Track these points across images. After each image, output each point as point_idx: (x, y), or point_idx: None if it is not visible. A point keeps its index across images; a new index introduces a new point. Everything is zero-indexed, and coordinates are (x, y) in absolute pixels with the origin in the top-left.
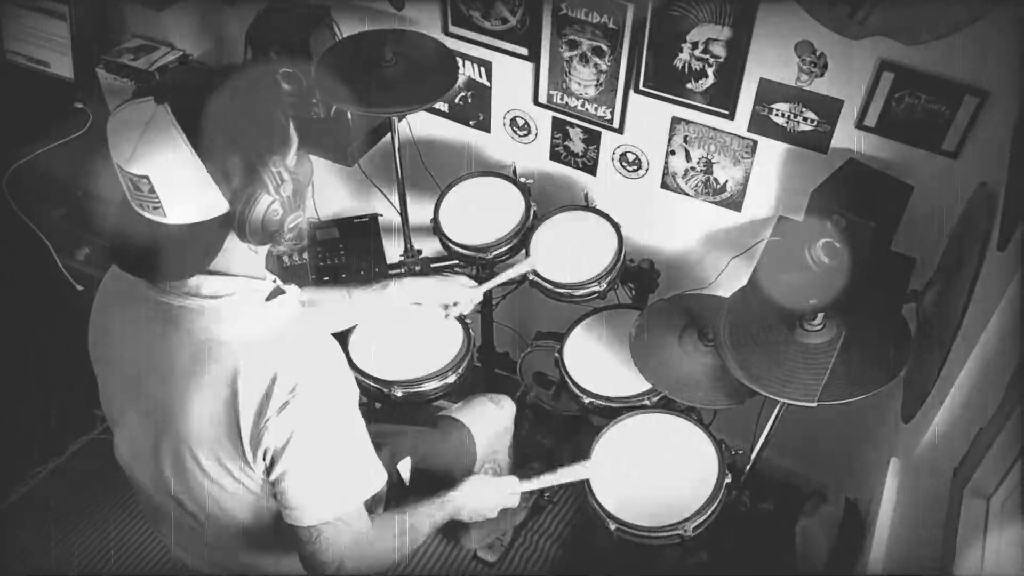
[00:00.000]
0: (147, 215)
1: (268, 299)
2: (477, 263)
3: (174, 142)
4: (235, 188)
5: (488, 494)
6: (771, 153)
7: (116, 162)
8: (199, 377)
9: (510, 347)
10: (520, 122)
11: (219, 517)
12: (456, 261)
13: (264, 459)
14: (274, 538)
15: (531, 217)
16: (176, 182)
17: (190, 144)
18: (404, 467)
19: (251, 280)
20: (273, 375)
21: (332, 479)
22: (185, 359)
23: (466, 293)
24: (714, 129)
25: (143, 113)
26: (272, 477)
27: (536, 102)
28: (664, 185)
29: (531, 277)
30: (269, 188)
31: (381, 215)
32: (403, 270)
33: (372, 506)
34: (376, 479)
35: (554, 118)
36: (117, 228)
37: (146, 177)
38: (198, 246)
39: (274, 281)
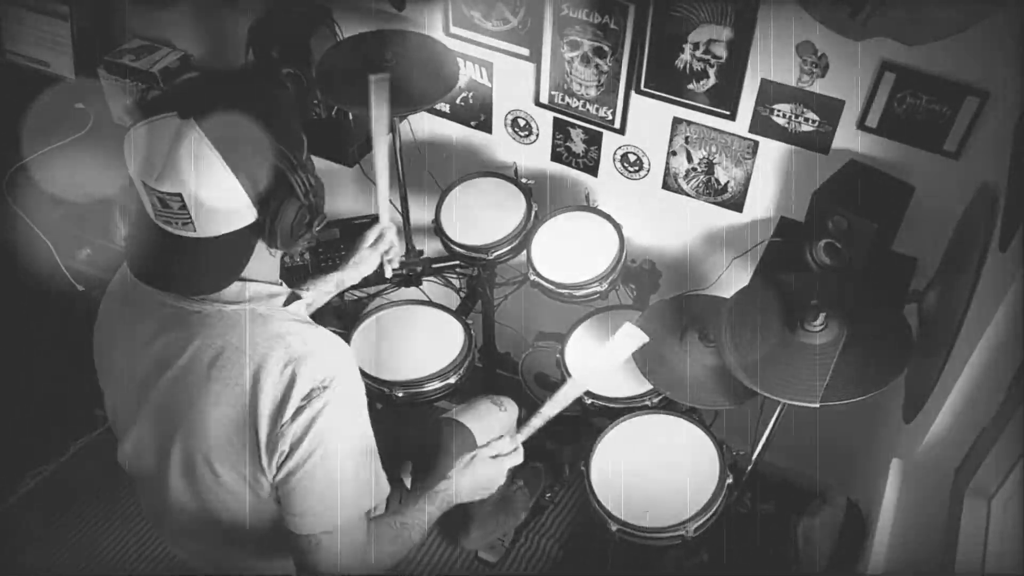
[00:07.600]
0: (175, 231)
1: (286, 304)
2: (478, 263)
3: (205, 157)
4: (264, 197)
5: (480, 465)
6: (772, 154)
7: (142, 180)
8: (216, 383)
9: (511, 348)
10: (521, 123)
11: (223, 519)
12: (458, 261)
13: (277, 463)
14: (276, 540)
15: (532, 218)
16: (208, 197)
17: (221, 157)
18: (405, 471)
19: (268, 285)
20: (291, 380)
21: (339, 487)
22: (201, 364)
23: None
24: (715, 130)
25: (168, 129)
26: (278, 479)
27: (537, 103)
28: (665, 186)
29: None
30: (298, 194)
31: None
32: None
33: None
34: (381, 489)
35: (555, 119)
36: (139, 245)
37: (178, 195)
38: (231, 257)
39: (280, 284)
